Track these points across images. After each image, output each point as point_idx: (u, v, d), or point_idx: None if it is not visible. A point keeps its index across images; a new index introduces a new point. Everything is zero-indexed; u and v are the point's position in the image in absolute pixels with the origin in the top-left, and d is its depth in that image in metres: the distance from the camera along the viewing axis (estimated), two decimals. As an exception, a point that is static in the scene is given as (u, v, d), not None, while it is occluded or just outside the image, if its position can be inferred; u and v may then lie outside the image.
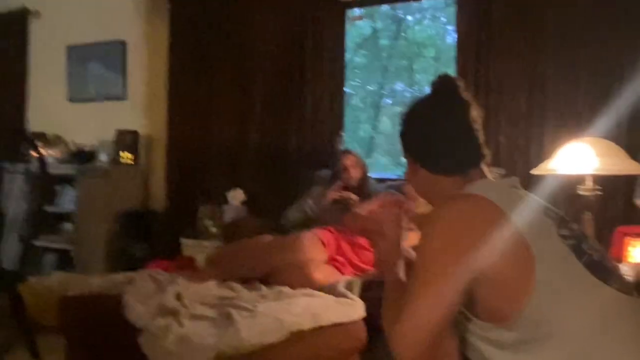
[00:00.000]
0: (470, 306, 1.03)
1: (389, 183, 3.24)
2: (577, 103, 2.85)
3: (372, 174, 3.29)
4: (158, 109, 4.19)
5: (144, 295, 2.08)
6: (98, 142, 4.29)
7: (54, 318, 2.32)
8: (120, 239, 3.92)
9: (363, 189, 3.04)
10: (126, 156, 4.11)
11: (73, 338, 2.21)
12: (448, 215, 1.06)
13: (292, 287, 2.30)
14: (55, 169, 3.97)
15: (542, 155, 2.81)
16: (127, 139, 4.12)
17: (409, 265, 1.18)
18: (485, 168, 1.19)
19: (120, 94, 4.43)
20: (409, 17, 5.60)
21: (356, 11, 3.88)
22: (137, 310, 1.95)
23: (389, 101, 5.88)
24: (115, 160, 4.11)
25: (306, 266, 2.43)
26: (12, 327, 2.38)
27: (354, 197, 2.97)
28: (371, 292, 2.27)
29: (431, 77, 1.24)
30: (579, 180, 2.36)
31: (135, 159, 4.17)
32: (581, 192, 2.34)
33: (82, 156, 4.27)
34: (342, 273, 2.51)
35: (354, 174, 3.04)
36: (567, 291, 0.98)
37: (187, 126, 4.04)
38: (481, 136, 1.19)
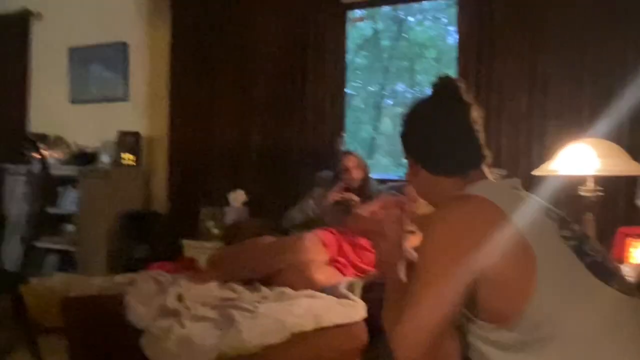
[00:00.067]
0: (471, 307, 1.03)
1: (390, 184, 3.24)
2: (579, 104, 2.85)
3: (373, 175, 3.29)
4: (160, 110, 4.19)
5: (146, 296, 2.08)
6: (100, 143, 4.30)
7: (55, 319, 2.32)
8: (122, 240, 3.93)
9: (364, 190, 3.04)
10: (128, 157, 4.12)
11: (75, 339, 2.21)
12: (449, 217, 1.06)
13: (294, 288, 2.30)
14: (57, 171, 3.98)
15: (543, 156, 2.81)
16: (129, 141, 4.12)
17: (410, 266, 1.18)
18: (486, 169, 1.19)
19: (121, 95, 4.43)
20: (410, 18, 5.60)
21: (357, 12, 3.87)
22: (139, 311, 1.95)
23: (390, 102, 5.88)
24: (116, 161, 4.11)
25: (307, 267, 2.43)
26: (14, 328, 2.38)
27: (355, 198, 2.97)
28: (372, 293, 2.27)
29: (432, 78, 1.24)
30: (581, 181, 2.36)
31: (137, 160, 4.17)
32: (582, 193, 2.34)
33: (84, 157, 4.27)
34: (344, 274, 2.51)
35: (356, 175, 3.04)
36: (568, 292, 0.98)
37: (189, 127, 4.05)
38: (482, 137, 1.19)
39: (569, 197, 2.68)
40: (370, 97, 5.80)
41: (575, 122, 2.81)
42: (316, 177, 3.35)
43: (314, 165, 3.48)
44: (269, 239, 2.77)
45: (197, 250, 3.35)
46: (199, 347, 1.72)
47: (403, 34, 5.72)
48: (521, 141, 2.99)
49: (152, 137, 4.30)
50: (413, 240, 1.30)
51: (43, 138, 4.50)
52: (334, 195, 2.98)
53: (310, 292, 2.26)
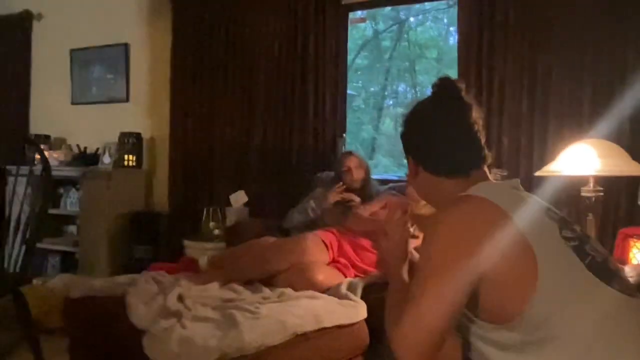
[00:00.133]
0: (472, 307, 1.03)
1: (391, 184, 3.24)
2: (580, 104, 2.84)
3: (374, 175, 3.29)
4: (161, 111, 4.20)
5: (147, 297, 2.08)
6: (101, 144, 4.31)
7: (57, 320, 2.33)
8: (123, 241, 3.93)
9: (365, 190, 3.04)
10: (129, 158, 4.12)
11: (76, 339, 2.21)
12: (450, 218, 1.06)
13: (295, 288, 2.30)
14: (59, 172, 3.99)
15: (544, 156, 2.81)
16: (130, 142, 4.13)
17: (413, 267, 1.18)
18: (486, 170, 1.19)
19: (123, 96, 4.44)
20: (411, 19, 5.61)
21: (358, 13, 3.88)
22: (140, 311, 1.95)
23: (391, 102, 5.88)
24: (118, 162, 4.12)
25: (308, 268, 2.44)
26: (16, 329, 2.38)
27: (356, 198, 2.97)
28: (374, 293, 2.27)
29: (433, 79, 1.25)
30: (582, 181, 2.36)
31: (138, 161, 4.18)
32: (584, 194, 2.34)
33: (86, 159, 4.28)
34: (345, 275, 2.52)
35: (357, 175, 3.04)
36: (569, 293, 0.98)
37: (190, 128, 4.05)
38: (482, 138, 1.19)
39: (570, 197, 2.69)
40: (371, 98, 5.81)
41: (576, 123, 2.81)
42: (317, 177, 3.35)
43: (314, 166, 3.49)
44: (270, 239, 2.78)
45: (199, 251, 3.35)
46: (200, 348, 1.72)
47: (404, 35, 5.73)
48: (522, 142, 2.99)
49: (154, 138, 4.31)
50: (414, 241, 1.30)
51: (45, 139, 4.52)
52: (335, 195, 2.98)
53: (311, 292, 2.26)
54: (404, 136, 1.26)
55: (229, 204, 3.73)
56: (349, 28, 3.69)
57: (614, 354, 0.95)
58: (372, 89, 5.85)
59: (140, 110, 4.36)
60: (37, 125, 4.80)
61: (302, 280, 2.36)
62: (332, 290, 2.32)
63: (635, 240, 2.31)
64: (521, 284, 0.97)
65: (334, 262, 2.59)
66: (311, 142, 3.61)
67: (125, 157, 4.11)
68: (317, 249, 2.56)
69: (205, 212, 3.58)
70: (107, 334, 2.03)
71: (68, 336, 2.25)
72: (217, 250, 3.18)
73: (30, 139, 4.22)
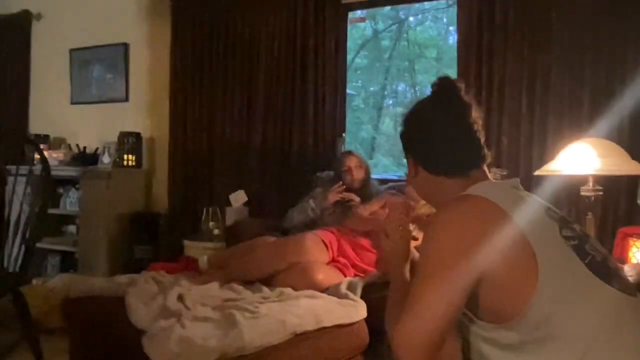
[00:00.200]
0: (472, 307, 1.03)
1: (391, 184, 3.24)
2: (579, 104, 2.85)
3: (374, 175, 3.29)
4: (160, 111, 4.20)
5: (147, 297, 2.08)
6: (101, 144, 4.31)
7: (57, 320, 2.33)
8: (123, 240, 3.93)
9: (365, 190, 3.04)
10: (129, 158, 4.12)
11: (76, 339, 2.21)
12: (450, 217, 1.06)
13: (295, 288, 2.30)
14: (59, 172, 3.99)
15: (544, 156, 2.81)
16: (130, 141, 4.13)
17: (413, 266, 1.18)
18: (486, 169, 1.19)
19: (122, 96, 4.44)
20: (411, 18, 5.61)
21: (358, 13, 3.88)
22: (140, 311, 1.95)
23: (391, 102, 5.88)
24: (118, 162, 4.12)
25: (308, 267, 2.44)
26: (16, 329, 2.38)
27: (355, 198, 2.97)
28: (373, 293, 2.27)
29: (433, 78, 1.25)
30: (581, 181, 2.36)
31: (138, 161, 4.18)
32: (583, 193, 2.34)
33: (85, 158, 4.28)
34: (344, 274, 2.52)
35: (357, 175, 3.04)
36: (568, 292, 0.98)
37: (190, 128, 4.05)
38: (482, 137, 1.19)
39: (569, 197, 2.69)
40: (371, 97, 5.81)
41: (576, 122, 2.81)
42: (316, 177, 3.35)
43: (314, 166, 3.49)
44: (269, 239, 2.78)
45: (199, 250, 3.35)
46: (200, 348, 1.72)
47: (403, 34, 5.73)
48: (522, 141, 2.99)
49: (153, 138, 4.31)
50: (414, 242, 1.30)
51: (44, 139, 4.52)
52: (334, 195, 2.98)
53: (311, 292, 2.26)
54: (404, 136, 1.26)
55: (228, 203, 3.73)
56: (349, 27, 3.69)
57: (614, 353, 0.95)
58: (371, 88, 5.85)
59: (139, 110, 4.36)
60: (37, 125, 4.80)
61: (302, 280, 2.36)
62: (331, 290, 2.32)
63: (634, 239, 2.31)
64: (521, 283, 0.97)
65: (333, 261, 2.59)
66: (311, 142, 3.61)
67: (125, 156, 4.11)
68: (317, 249, 2.56)
69: (204, 211, 3.58)
70: (107, 334, 2.03)
71: (68, 336, 2.25)
72: (217, 250, 3.18)
73: (30, 139, 4.22)
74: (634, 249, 2.30)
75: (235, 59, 3.88)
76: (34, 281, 3.39)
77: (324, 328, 2.03)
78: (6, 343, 2.60)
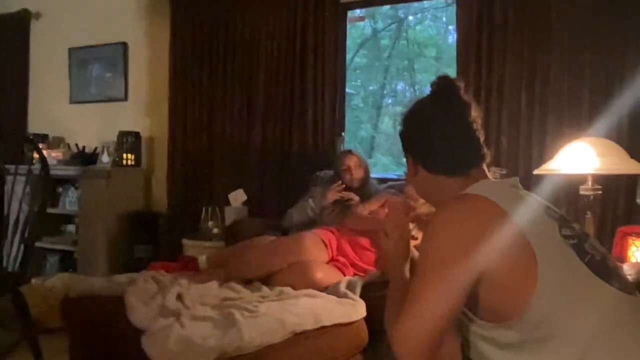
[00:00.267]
0: (471, 306, 1.03)
1: (390, 183, 3.25)
2: (579, 103, 2.85)
3: (373, 174, 3.29)
4: (160, 110, 4.20)
5: (146, 296, 2.08)
6: (100, 143, 4.31)
7: (56, 319, 2.32)
8: (122, 240, 3.93)
9: (364, 189, 3.05)
10: (128, 157, 4.12)
11: (75, 339, 2.21)
12: (449, 217, 1.06)
13: (294, 287, 2.30)
14: (57, 171, 3.98)
15: (543, 155, 2.82)
16: (129, 140, 4.13)
17: (413, 265, 1.18)
18: (485, 168, 1.19)
19: (121, 95, 4.44)
20: (410, 18, 5.61)
21: (357, 12, 3.88)
22: (139, 311, 1.95)
23: (390, 101, 5.88)
24: (117, 161, 4.11)
25: (307, 266, 2.44)
26: (16, 329, 2.38)
27: (354, 197, 2.97)
28: (373, 292, 2.27)
29: (432, 77, 1.25)
30: (581, 180, 2.36)
31: (137, 160, 4.18)
32: (582, 192, 2.34)
33: (84, 158, 4.28)
34: (344, 273, 2.52)
35: (357, 174, 3.04)
36: (568, 291, 0.98)
37: (189, 127, 4.05)
38: (481, 136, 1.19)
39: (568, 196, 2.69)
40: (370, 96, 5.81)
41: (575, 121, 2.81)
42: (316, 176, 3.35)
43: (314, 165, 3.49)
44: (268, 238, 2.78)
45: (198, 249, 3.35)
46: (199, 347, 1.72)
47: (403, 33, 5.73)
48: (521, 140, 2.99)
49: (152, 137, 4.31)
50: (414, 241, 1.30)
51: (43, 138, 4.52)
52: (333, 194, 2.98)
53: (310, 291, 2.26)
54: (403, 135, 1.26)
55: (228, 203, 3.73)
56: (348, 27, 3.69)
57: (614, 352, 0.95)
58: (370, 87, 5.85)
59: (138, 109, 4.36)
60: (36, 124, 4.80)
61: (301, 279, 2.36)
62: (331, 289, 2.32)
63: (633, 238, 2.31)
64: (520, 282, 0.97)
65: (333, 260, 2.59)
66: (310, 141, 3.61)
67: (124, 156, 4.11)
68: (316, 248, 2.56)
69: (204, 211, 3.58)
70: (106, 333, 2.03)
71: (67, 336, 2.25)
72: (216, 249, 3.18)
73: (29, 138, 4.22)
74: (633, 248, 2.31)
75: (235, 58, 3.88)
76: (33, 281, 3.39)
77: (324, 327, 2.03)
78: (6, 343, 2.60)
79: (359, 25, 5.07)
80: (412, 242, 1.28)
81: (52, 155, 4.24)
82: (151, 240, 3.92)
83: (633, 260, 2.28)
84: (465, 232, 1.01)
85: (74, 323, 2.21)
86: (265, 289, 2.33)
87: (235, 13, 3.87)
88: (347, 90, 3.78)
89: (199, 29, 4.01)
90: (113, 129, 4.18)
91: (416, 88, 5.55)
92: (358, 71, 5.65)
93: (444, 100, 1.20)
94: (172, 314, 1.92)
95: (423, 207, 2.36)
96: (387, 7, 4.93)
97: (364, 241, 2.63)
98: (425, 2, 4.05)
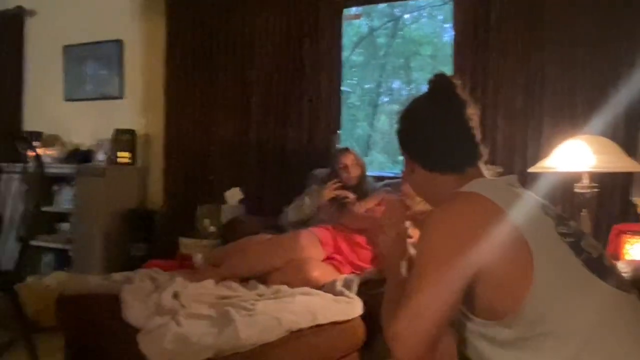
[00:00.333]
0: (468, 304, 1.03)
1: (387, 181, 3.25)
2: (574, 101, 2.85)
3: (370, 172, 3.29)
4: (155, 107, 4.18)
5: (142, 294, 2.08)
6: (95, 141, 4.29)
7: (52, 318, 2.31)
8: (118, 238, 3.92)
9: (361, 187, 3.04)
10: (123, 155, 4.11)
11: (71, 337, 2.21)
12: (446, 215, 1.06)
13: (291, 285, 2.30)
14: (53, 169, 3.97)
15: (539, 153, 2.82)
16: (125, 138, 4.11)
17: (410, 263, 1.18)
18: (482, 166, 1.19)
19: (117, 93, 4.42)
20: (406, 16, 5.60)
21: (353, 10, 3.87)
22: (135, 309, 1.95)
23: (386, 99, 5.88)
24: (112, 159, 4.10)
25: (304, 265, 2.44)
26: (11, 327, 2.37)
27: (350, 195, 2.97)
28: (369, 290, 2.27)
29: (428, 75, 1.25)
30: (576, 177, 2.37)
31: (133, 158, 4.16)
32: (578, 190, 2.35)
33: (80, 156, 4.26)
34: (340, 271, 2.52)
35: (353, 172, 3.04)
36: (565, 289, 0.98)
37: (185, 125, 4.04)
38: (478, 134, 1.19)
39: (564, 193, 2.70)
40: (366, 95, 5.80)
41: (571, 119, 2.82)
42: (312, 174, 3.35)
43: (310, 163, 3.48)
44: (265, 236, 2.78)
45: (194, 248, 3.34)
46: (195, 345, 1.72)
47: (399, 31, 5.72)
48: (517, 138, 3.00)
49: (148, 135, 4.29)
50: (410, 239, 1.30)
51: (38, 136, 4.49)
52: (329, 192, 2.97)
53: (307, 289, 2.26)
54: (400, 133, 1.26)
55: (224, 201, 3.72)
56: (344, 25, 3.68)
57: (610, 350, 0.95)
58: (366, 85, 5.84)
59: (134, 106, 4.34)
60: (31, 122, 4.77)
61: (298, 277, 2.36)
62: (327, 287, 2.32)
63: (628, 236, 2.32)
64: (517, 280, 0.98)
65: (329, 258, 2.59)
66: (306, 139, 3.61)
67: (120, 154, 4.09)
68: (312, 246, 2.56)
69: (200, 209, 3.57)
70: (102, 332, 2.03)
71: (63, 334, 2.24)
72: (213, 248, 3.18)
73: (24, 136, 4.20)
74: (627, 246, 2.31)
75: (231, 55, 3.87)
76: (29, 279, 3.38)
77: (320, 325, 2.03)
78: (1, 342, 2.59)
79: (355, 23, 5.06)
80: (409, 240, 1.28)
81: (47, 153, 4.21)
82: (147, 238, 3.90)
83: (628, 257, 2.29)
84: (461, 229, 1.02)
85: (70, 322, 2.21)
86: (261, 287, 2.33)
87: (231, 10, 3.86)
88: (343, 88, 3.77)
89: (194, 26, 3.99)
90: (108, 126, 4.16)
91: (412, 86, 5.55)
92: (354, 69, 5.65)
93: (440, 98, 1.20)
94: (168, 313, 1.92)
95: (419, 205, 2.36)
96: (383, 5, 4.92)
97: (361, 239, 2.63)
98: (421, 0, 4.04)
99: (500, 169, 2.75)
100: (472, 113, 1.19)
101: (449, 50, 3.31)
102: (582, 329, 0.95)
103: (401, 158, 1.28)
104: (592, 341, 0.95)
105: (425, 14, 5.57)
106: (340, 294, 2.24)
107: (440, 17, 5.30)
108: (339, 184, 2.99)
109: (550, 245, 1.02)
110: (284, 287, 2.28)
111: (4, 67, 4.87)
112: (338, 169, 3.05)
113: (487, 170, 1.20)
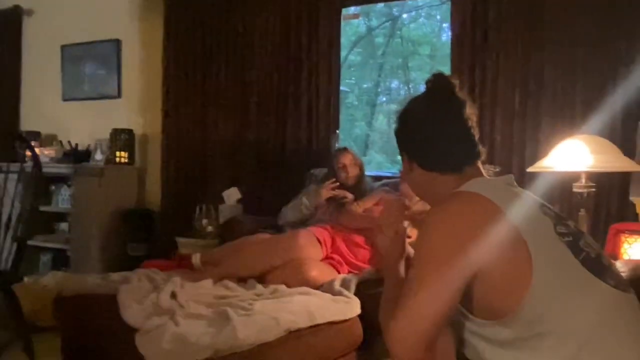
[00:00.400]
0: (467, 304, 1.03)
1: (385, 181, 3.25)
2: (572, 100, 2.86)
3: (368, 172, 3.29)
4: (153, 107, 4.18)
5: (140, 294, 2.07)
6: (93, 141, 4.28)
7: (49, 318, 2.31)
8: (116, 238, 3.91)
9: (359, 187, 3.04)
10: (121, 155, 4.10)
11: (68, 338, 2.20)
12: (445, 214, 1.06)
13: (289, 285, 2.30)
14: (50, 169, 3.96)
15: (537, 152, 2.82)
16: (123, 138, 4.11)
17: (409, 263, 1.18)
18: (480, 166, 1.19)
19: (115, 92, 4.41)
20: (404, 15, 5.61)
21: (351, 10, 3.87)
22: (133, 309, 1.94)
23: (384, 99, 5.89)
24: (110, 159, 4.09)
25: (302, 264, 2.43)
26: (8, 327, 2.37)
27: (348, 195, 2.97)
28: (367, 290, 2.27)
29: (426, 75, 1.25)
30: (574, 177, 2.37)
31: (131, 158, 4.16)
32: (576, 190, 2.35)
33: (77, 155, 4.25)
34: (338, 271, 2.52)
35: (352, 172, 3.04)
36: (563, 288, 0.98)
37: (183, 125, 4.03)
38: (476, 134, 1.19)
39: (562, 193, 2.70)
40: (365, 94, 5.81)
41: (569, 119, 2.82)
42: (310, 174, 3.35)
43: (308, 163, 3.48)
44: (263, 236, 2.77)
45: (192, 247, 3.34)
46: (193, 345, 1.72)
47: (397, 31, 5.73)
48: (515, 138, 3.00)
49: (146, 135, 4.29)
50: (408, 239, 1.30)
51: (36, 136, 4.49)
52: (327, 192, 2.97)
53: (304, 289, 2.26)
54: (398, 133, 1.26)
55: (222, 201, 3.72)
56: (342, 24, 3.68)
57: (609, 349, 0.95)
58: (365, 85, 5.85)
59: (132, 106, 4.34)
60: (28, 121, 4.76)
61: (296, 277, 2.36)
62: (325, 287, 2.32)
63: (626, 235, 2.32)
64: (515, 280, 0.98)
65: (327, 258, 2.59)
66: (304, 139, 3.61)
67: (117, 153, 4.09)
68: (311, 246, 2.56)
69: (198, 209, 3.57)
70: (99, 332, 2.02)
71: (60, 334, 2.24)
72: (211, 248, 3.17)
73: (21, 136, 4.19)
74: (625, 245, 2.32)
75: (229, 55, 3.87)
76: (26, 279, 3.37)
77: (318, 325, 2.03)
78: (-2, 341, 2.58)
79: (353, 22, 5.06)
80: (407, 240, 1.28)
81: (45, 153, 4.21)
82: (145, 238, 3.90)
83: (626, 257, 2.29)
84: (460, 229, 1.01)
85: (67, 321, 2.20)
86: (259, 286, 2.33)
87: (229, 10, 3.86)
88: (342, 88, 3.77)
89: (192, 25, 3.99)
90: (106, 126, 4.16)
91: (410, 86, 5.56)
92: (352, 69, 5.65)
93: (438, 98, 1.20)
94: (166, 313, 1.91)
95: (418, 205, 2.36)
96: (381, 4, 4.93)
97: (359, 239, 2.63)
98: (419, 0, 4.04)
99: (498, 169, 2.75)
100: (470, 112, 1.19)
101: (447, 50, 3.31)
102: (580, 328, 0.95)
103: (399, 158, 1.28)
104: (591, 341, 0.95)
105: (423, 14, 5.58)
106: (339, 293, 2.24)
107: (438, 17, 5.31)
108: (337, 184, 2.99)
109: (549, 245, 1.02)
110: (282, 287, 2.28)
111: (2, 66, 4.86)
112: (336, 168, 3.05)
113: (485, 170, 1.20)
